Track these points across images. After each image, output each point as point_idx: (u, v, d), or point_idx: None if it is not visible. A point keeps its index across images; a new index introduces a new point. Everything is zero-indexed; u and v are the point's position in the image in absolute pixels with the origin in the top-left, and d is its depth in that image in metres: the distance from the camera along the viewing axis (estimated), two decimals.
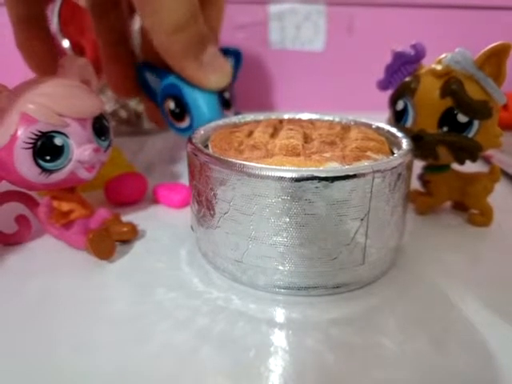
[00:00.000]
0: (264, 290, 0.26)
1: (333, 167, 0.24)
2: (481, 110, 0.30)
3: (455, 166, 0.34)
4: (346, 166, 0.24)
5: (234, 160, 0.24)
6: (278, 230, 0.24)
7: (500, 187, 0.35)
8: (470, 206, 0.35)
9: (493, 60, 0.30)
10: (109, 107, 0.58)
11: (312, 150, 0.26)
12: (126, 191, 0.37)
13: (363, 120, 0.33)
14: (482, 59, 0.30)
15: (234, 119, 0.34)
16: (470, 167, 0.34)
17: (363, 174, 0.23)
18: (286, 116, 0.35)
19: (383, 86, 0.36)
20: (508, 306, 0.26)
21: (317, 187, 0.23)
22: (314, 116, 0.35)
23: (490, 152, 0.51)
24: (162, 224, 0.35)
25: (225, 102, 0.40)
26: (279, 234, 0.24)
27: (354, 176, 0.23)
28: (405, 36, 0.37)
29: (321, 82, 0.70)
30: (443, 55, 0.32)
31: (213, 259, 0.28)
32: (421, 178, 0.37)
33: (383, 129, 0.31)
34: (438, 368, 0.21)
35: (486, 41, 0.31)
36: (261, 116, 0.35)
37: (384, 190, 0.24)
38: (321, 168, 0.23)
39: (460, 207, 0.37)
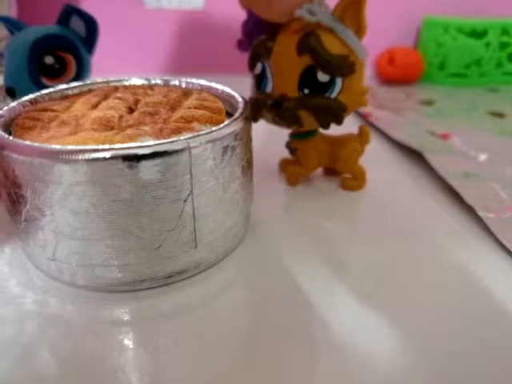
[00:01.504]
0: (86, 288, 0.23)
1: (140, 144, 0.20)
2: (342, 66, 0.28)
3: (323, 129, 0.32)
4: (158, 142, 0.20)
5: (19, 142, 0.20)
6: (83, 221, 0.20)
7: (377, 146, 0.33)
8: (341, 171, 0.33)
9: (351, 10, 0.27)
10: None
11: (129, 123, 0.23)
12: None
13: (213, 84, 0.30)
14: (340, 9, 0.27)
15: (64, 89, 0.29)
16: (347, 128, 0.32)
17: (177, 150, 0.20)
18: (126, 81, 0.31)
19: (243, 46, 0.33)
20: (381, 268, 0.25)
21: (120, 168, 0.19)
22: (158, 81, 0.31)
23: (367, 110, 0.51)
24: None
25: (47, 69, 0.35)
26: (86, 227, 0.20)
27: (165, 153, 0.20)
28: None
29: (200, 43, 0.66)
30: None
31: (31, 257, 0.24)
32: (288, 145, 0.34)
33: (228, 94, 0.28)
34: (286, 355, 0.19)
35: None
36: (98, 83, 0.31)
37: (208, 165, 0.21)
38: (125, 145, 0.20)
39: (332, 172, 0.35)
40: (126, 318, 0.22)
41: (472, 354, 0.20)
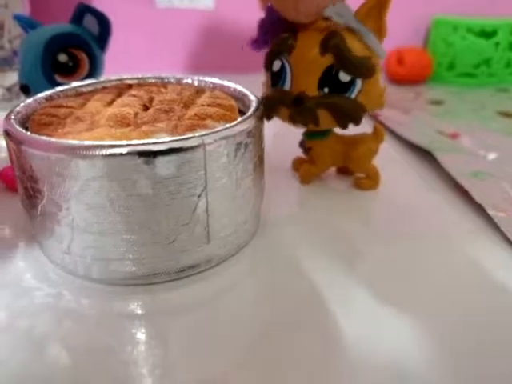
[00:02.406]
0: (100, 282, 0.23)
1: (156, 140, 0.21)
2: (364, 68, 0.28)
3: (337, 129, 0.31)
4: (173, 138, 0.21)
5: (36, 137, 0.21)
6: (99, 215, 0.21)
7: (386, 145, 0.33)
8: (355, 170, 0.34)
9: (374, 13, 0.27)
10: None
11: (144, 120, 0.23)
12: None
13: (225, 83, 0.30)
14: (363, 12, 0.27)
15: (78, 86, 0.30)
16: (355, 128, 0.32)
17: (192, 147, 0.20)
18: (140, 79, 0.31)
19: (257, 45, 0.32)
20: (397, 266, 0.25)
21: (137, 164, 0.20)
22: (171, 79, 0.31)
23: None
24: (5, 212, 0.30)
25: (60, 67, 0.36)
26: (102, 221, 0.21)
27: (180, 149, 0.20)
28: None
29: (211, 43, 0.66)
30: None
31: (46, 251, 0.25)
32: (302, 144, 0.34)
33: (241, 92, 0.29)
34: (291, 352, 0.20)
35: None
36: (112, 81, 0.31)
37: (222, 161, 0.22)
38: (141, 141, 0.20)
39: (344, 171, 0.35)
40: (140, 311, 0.22)
41: (488, 348, 0.20)
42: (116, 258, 0.22)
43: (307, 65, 0.28)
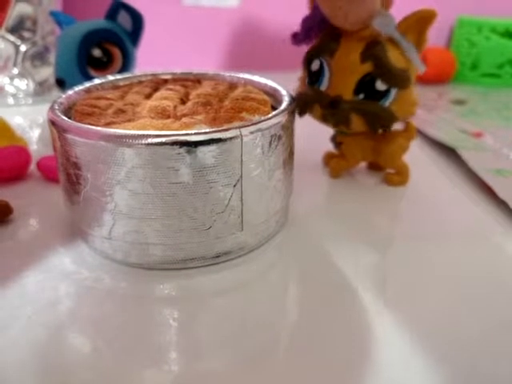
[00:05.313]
0: (138, 266, 0.24)
1: (197, 131, 0.22)
2: (401, 79, 0.29)
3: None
4: (213, 129, 0.22)
5: (83, 126, 0.22)
6: (142, 201, 0.22)
7: (413, 143, 0.34)
8: (385, 166, 0.34)
9: (417, 26, 0.28)
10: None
11: (184, 112, 0.24)
12: (5, 165, 0.34)
13: (256, 78, 0.31)
14: (405, 25, 0.28)
15: (115, 79, 0.31)
16: None
17: (230, 138, 0.21)
18: (174, 74, 0.32)
19: (299, 40, 0.32)
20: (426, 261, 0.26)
21: (179, 153, 0.21)
22: (204, 74, 0.32)
23: None
24: (43, 201, 0.32)
25: (94, 61, 0.37)
26: (144, 207, 0.22)
27: (220, 140, 0.21)
28: None
29: (235, 41, 0.67)
30: None
31: (85, 237, 0.26)
32: (333, 139, 0.35)
33: (272, 87, 0.29)
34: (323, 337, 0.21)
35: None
36: (147, 75, 0.32)
37: (257, 153, 0.23)
38: (183, 132, 0.21)
39: (375, 167, 0.36)
40: (175, 294, 0.23)
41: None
42: (155, 243, 0.23)
43: (347, 70, 0.29)
